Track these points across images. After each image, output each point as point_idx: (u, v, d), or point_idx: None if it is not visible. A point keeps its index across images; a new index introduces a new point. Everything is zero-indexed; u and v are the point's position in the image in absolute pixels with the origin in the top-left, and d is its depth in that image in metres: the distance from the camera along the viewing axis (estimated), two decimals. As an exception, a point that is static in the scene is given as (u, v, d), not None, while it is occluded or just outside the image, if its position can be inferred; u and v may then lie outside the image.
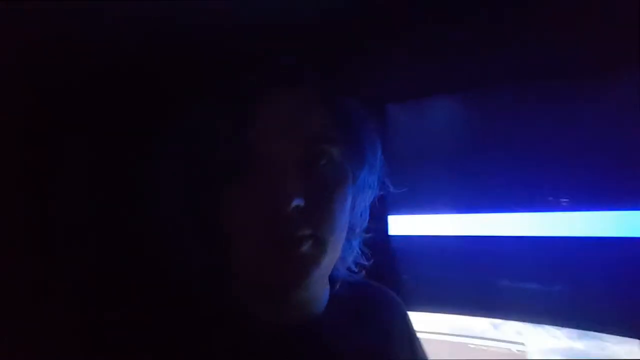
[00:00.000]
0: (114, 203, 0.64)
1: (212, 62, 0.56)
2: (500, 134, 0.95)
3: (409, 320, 0.68)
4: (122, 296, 0.61)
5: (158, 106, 0.61)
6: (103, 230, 0.65)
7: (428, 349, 0.70)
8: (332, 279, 0.59)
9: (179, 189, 0.53)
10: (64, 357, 0.56)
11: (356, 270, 0.60)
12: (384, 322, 0.63)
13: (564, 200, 0.96)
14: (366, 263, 0.61)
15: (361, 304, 0.61)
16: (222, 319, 0.52)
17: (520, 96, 0.89)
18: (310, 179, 0.48)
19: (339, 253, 0.54)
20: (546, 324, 0.91)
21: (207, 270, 0.53)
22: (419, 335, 0.69)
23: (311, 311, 0.55)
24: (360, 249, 0.60)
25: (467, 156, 1.00)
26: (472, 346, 0.98)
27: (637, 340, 0.82)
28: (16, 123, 0.58)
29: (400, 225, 1.04)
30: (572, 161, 0.92)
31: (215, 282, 0.54)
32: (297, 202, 0.46)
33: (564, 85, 0.85)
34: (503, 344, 0.96)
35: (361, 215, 0.59)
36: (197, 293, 0.54)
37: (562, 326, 0.89)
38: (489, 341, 0.98)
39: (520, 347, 0.94)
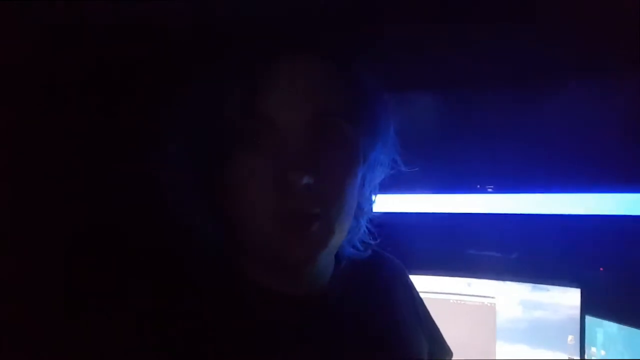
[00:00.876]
0: (120, 174, 0.62)
1: (225, 27, 0.52)
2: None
3: (410, 282, 0.67)
4: (127, 270, 0.57)
5: (169, 73, 0.58)
6: (108, 203, 0.61)
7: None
8: (337, 257, 0.57)
9: (186, 157, 0.50)
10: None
11: (362, 248, 0.58)
12: (388, 287, 0.62)
13: (490, 187, 1.17)
14: (372, 242, 0.59)
15: (366, 272, 0.60)
16: (229, 290, 0.50)
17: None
18: (322, 155, 0.46)
19: (346, 232, 0.52)
20: (508, 280, 1.10)
21: (214, 240, 0.51)
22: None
23: (318, 283, 0.54)
24: (367, 227, 0.58)
25: (448, 144, 1.15)
26: (452, 302, 1.13)
27: (576, 289, 1.04)
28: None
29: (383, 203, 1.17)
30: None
31: (221, 253, 0.52)
32: (307, 179, 0.43)
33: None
34: (477, 298, 1.12)
35: (370, 194, 0.57)
36: (203, 264, 0.52)
37: (520, 282, 1.09)
38: (466, 297, 1.13)
39: (491, 300, 1.11)
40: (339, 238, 0.50)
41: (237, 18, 0.52)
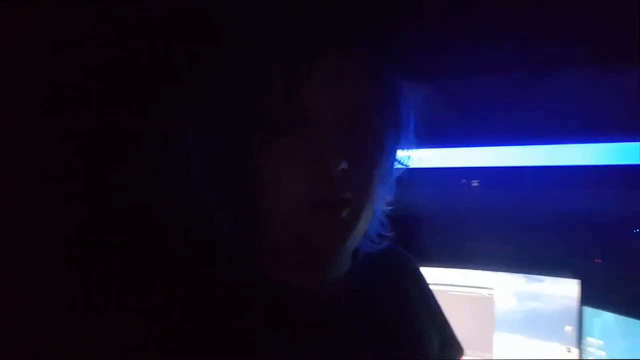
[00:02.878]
0: (144, 161, 0.60)
1: (267, 16, 0.53)
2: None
3: (422, 277, 0.67)
4: (141, 264, 0.56)
5: (208, 55, 0.57)
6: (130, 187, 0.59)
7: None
8: (354, 251, 0.57)
9: (217, 143, 0.51)
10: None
11: (377, 242, 0.58)
12: (401, 281, 0.63)
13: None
14: (387, 234, 0.59)
15: (380, 266, 0.60)
16: (247, 282, 0.51)
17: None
18: (354, 143, 0.47)
19: (369, 221, 0.53)
20: (502, 271, 1.12)
21: (233, 233, 0.51)
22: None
23: (336, 277, 0.54)
24: (382, 220, 0.58)
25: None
26: (449, 293, 1.14)
27: (575, 280, 1.05)
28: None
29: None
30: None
31: (243, 244, 0.52)
32: (344, 165, 0.44)
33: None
34: (475, 289, 1.13)
35: (388, 188, 0.57)
36: (220, 259, 0.52)
37: (514, 272, 1.11)
38: (464, 288, 1.14)
39: (489, 292, 1.12)
40: (362, 227, 0.51)
41: (275, 13, 0.54)
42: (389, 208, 0.60)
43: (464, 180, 1.21)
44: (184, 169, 0.54)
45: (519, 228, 1.16)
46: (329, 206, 0.46)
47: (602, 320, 1.01)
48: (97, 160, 0.59)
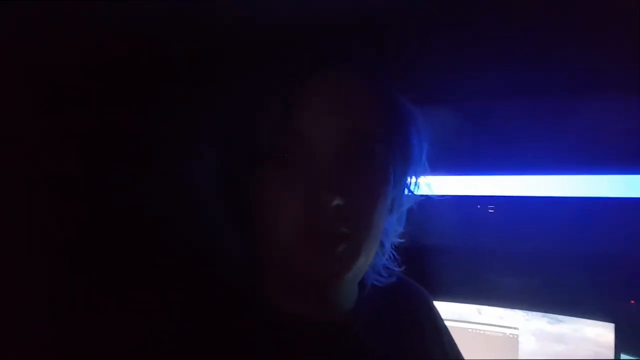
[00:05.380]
0: (145, 185, 0.58)
1: (259, 36, 0.50)
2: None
3: (436, 311, 0.65)
4: (143, 285, 0.54)
5: (200, 79, 0.56)
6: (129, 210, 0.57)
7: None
8: (361, 283, 0.55)
9: (212, 170, 0.49)
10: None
11: (385, 275, 0.56)
12: (413, 316, 0.61)
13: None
14: (396, 269, 0.57)
15: (390, 299, 0.58)
16: (248, 312, 0.49)
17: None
18: (353, 176, 0.44)
19: (372, 256, 0.50)
20: (524, 309, 1.03)
21: (234, 260, 0.50)
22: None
23: (342, 309, 0.52)
24: (391, 253, 0.56)
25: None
26: (471, 331, 1.06)
27: (605, 323, 0.96)
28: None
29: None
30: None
31: (242, 273, 0.51)
32: (338, 201, 0.42)
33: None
34: (498, 328, 1.05)
35: (398, 219, 0.55)
36: (223, 284, 0.50)
37: (539, 312, 1.02)
38: (487, 326, 1.06)
39: (513, 331, 1.04)
40: (365, 261, 0.48)
41: (271, 30, 0.51)
42: (400, 240, 0.57)
43: (491, 210, 1.15)
44: (182, 187, 0.53)
45: (546, 263, 1.09)
46: (323, 239, 0.44)
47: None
48: (96, 172, 0.58)
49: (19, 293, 0.51)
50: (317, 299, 0.50)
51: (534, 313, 1.04)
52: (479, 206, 1.15)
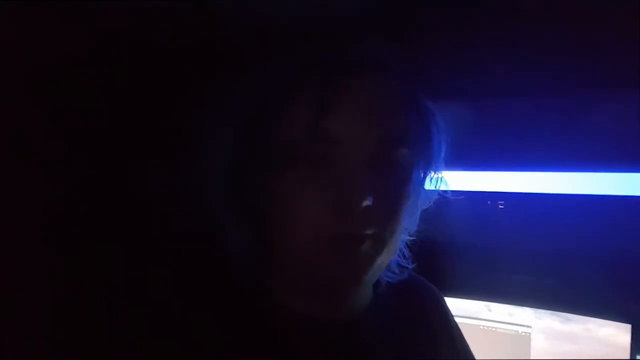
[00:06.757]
0: (157, 176, 0.58)
1: (294, 39, 0.51)
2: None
3: (447, 309, 0.66)
4: (154, 284, 0.55)
5: (232, 77, 0.56)
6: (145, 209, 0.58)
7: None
8: (375, 282, 0.55)
9: (230, 169, 0.49)
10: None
11: (397, 272, 0.57)
12: (424, 313, 0.61)
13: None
14: (408, 266, 0.58)
15: (402, 297, 0.59)
16: (261, 312, 0.49)
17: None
18: (380, 177, 0.45)
19: (392, 254, 0.51)
20: (535, 307, 1.02)
21: (246, 261, 0.51)
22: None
23: (356, 309, 0.52)
24: (403, 251, 0.57)
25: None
26: (483, 328, 1.05)
27: (621, 324, 0.94)
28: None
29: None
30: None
31: (255, 275, 0.51)
32: (368, 201, 0.43)
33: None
34: (510, 326, 1.03)
35: (415, 217, 0.56)
36: (236, 286, 0.51)
37: (553, 310, 1.00)
38: (498, 323, 1.04)
39: (526, 329, 1.02)
40: (385, 260, 0.49)
41: (303, 36, 0.51)
42: (411, 238, 0.58)
43: (501, 206, 1.13)
44: (201, 187, 0.52)
45: (558, 261, 1.07)
46: (349, 241, 0.45)
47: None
48: (107, 167, 0.58)
49: (22, 292, 0.51)
50: (333, 301, 0.50)
51: (544, 311, 1.03)
52: (489, 202, 1.13)
